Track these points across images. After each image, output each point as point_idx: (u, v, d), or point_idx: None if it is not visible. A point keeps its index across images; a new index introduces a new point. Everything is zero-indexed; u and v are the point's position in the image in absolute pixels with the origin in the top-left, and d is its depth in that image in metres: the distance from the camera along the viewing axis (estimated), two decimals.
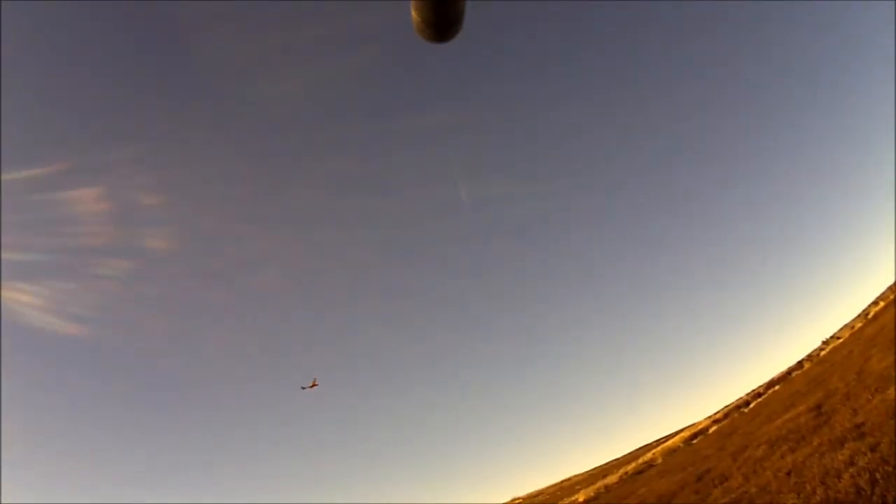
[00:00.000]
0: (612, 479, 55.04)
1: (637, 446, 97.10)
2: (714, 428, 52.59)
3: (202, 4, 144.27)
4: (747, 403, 55.15)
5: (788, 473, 15.18)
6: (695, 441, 51.72)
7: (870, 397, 18.22)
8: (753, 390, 61.52)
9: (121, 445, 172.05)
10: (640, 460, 57.74)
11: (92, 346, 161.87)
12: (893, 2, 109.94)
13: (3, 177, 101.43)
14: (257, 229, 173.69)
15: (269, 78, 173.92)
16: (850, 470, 12.36)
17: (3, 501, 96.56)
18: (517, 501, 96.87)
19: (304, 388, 59.21)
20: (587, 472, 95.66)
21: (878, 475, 10.93)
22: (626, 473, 53.15)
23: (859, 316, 60.85)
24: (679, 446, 53.67)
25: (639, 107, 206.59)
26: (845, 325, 62.35)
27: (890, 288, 61.33)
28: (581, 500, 53.62)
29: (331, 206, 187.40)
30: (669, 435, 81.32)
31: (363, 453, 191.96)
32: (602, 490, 51.87)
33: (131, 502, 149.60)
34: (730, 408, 60.49)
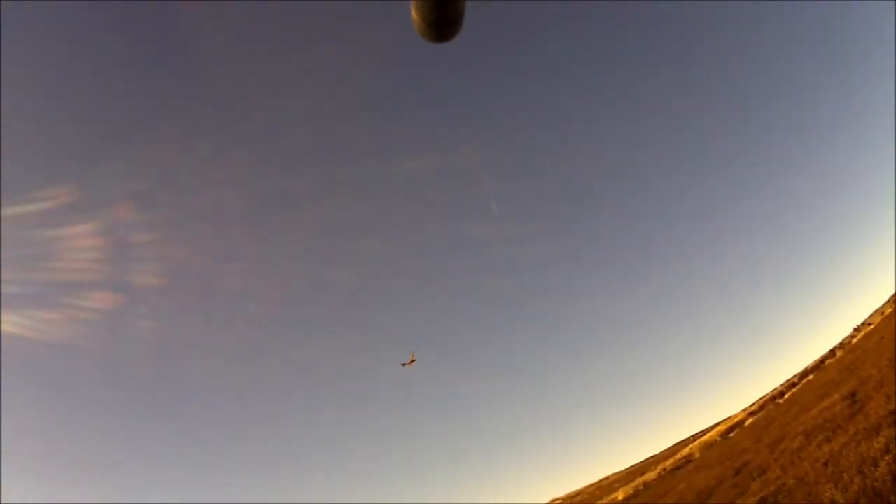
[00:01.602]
0: (650, 475, 54.40)
1: (674, 442, 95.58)
2: (750, 420, 51.63)
3: (201, 34, 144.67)
4: (782, 394, 54.02)
5: (825, 463, 15.01)
6: (731, 434, 50.84)
7: None
8: (788, 380, 60.15)
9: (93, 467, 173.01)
10: (678, 456, 56.94)
11: (75, 371, 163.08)
12: (893, 1, 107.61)
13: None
14: (244, 267, 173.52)
15: (270, 111, 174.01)
16: (886, 458, 12.23)
17: (3, 502, 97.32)
18: (557, 502, 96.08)
19: (403, 364, 59.08)
20: (625, 469, 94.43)
21: None
22: (664, 470, 52.51)
23: (889, 301, 59.22)
24: (716, 440, 52.79)
25: (640, 110, 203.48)
26: (875, 311, 60.67)
27: None
28: (620, 498, 53.05)
29: (322, 247, 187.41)
30: (706, 429, 79.91)
31: (412, 455, 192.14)
32: (641, 487, 51.31)
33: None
34: (765, 399, 59.28)
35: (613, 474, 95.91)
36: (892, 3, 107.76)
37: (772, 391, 61.37)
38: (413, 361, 56.59)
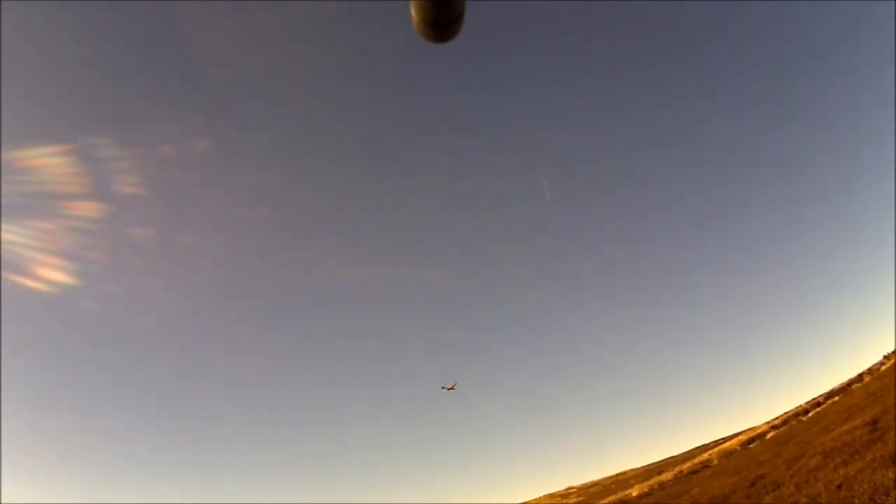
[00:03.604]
0: (666, 476, 54.10)
1: (694, 446, 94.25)
2: (772, 434, 50.64)
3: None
4: (806, 412, 52.73)
5: (839, 486, 15.03)
6: (752, 445, 50.00)
7: None
8: (813, 399, 58.55)
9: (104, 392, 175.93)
10: (696, 460, 56.36)
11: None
12: (893, 1, 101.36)
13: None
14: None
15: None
16: None
17: (3, 501, 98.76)
18: (572, 491, 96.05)
19: (444, 387, 59.17)
20: (643, 467, 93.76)
21: None
22: (681, 472, 52.11)
23: None
24: (736, 449, 52.02)
25: (639, 114, 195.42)
26: None
27: None
28: (634, 494, 52.93)
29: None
30: (727, 437, 78.56)
31: (444, 444, 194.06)
32: (656, 487, 51.09)
33: (122, 502, 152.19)
34: (789, 414, 57.91)
35: (631, 470, 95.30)
36: (893, 2, 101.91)
37: (796, 407, 59.85)
38: (454, 387, 56.49)
